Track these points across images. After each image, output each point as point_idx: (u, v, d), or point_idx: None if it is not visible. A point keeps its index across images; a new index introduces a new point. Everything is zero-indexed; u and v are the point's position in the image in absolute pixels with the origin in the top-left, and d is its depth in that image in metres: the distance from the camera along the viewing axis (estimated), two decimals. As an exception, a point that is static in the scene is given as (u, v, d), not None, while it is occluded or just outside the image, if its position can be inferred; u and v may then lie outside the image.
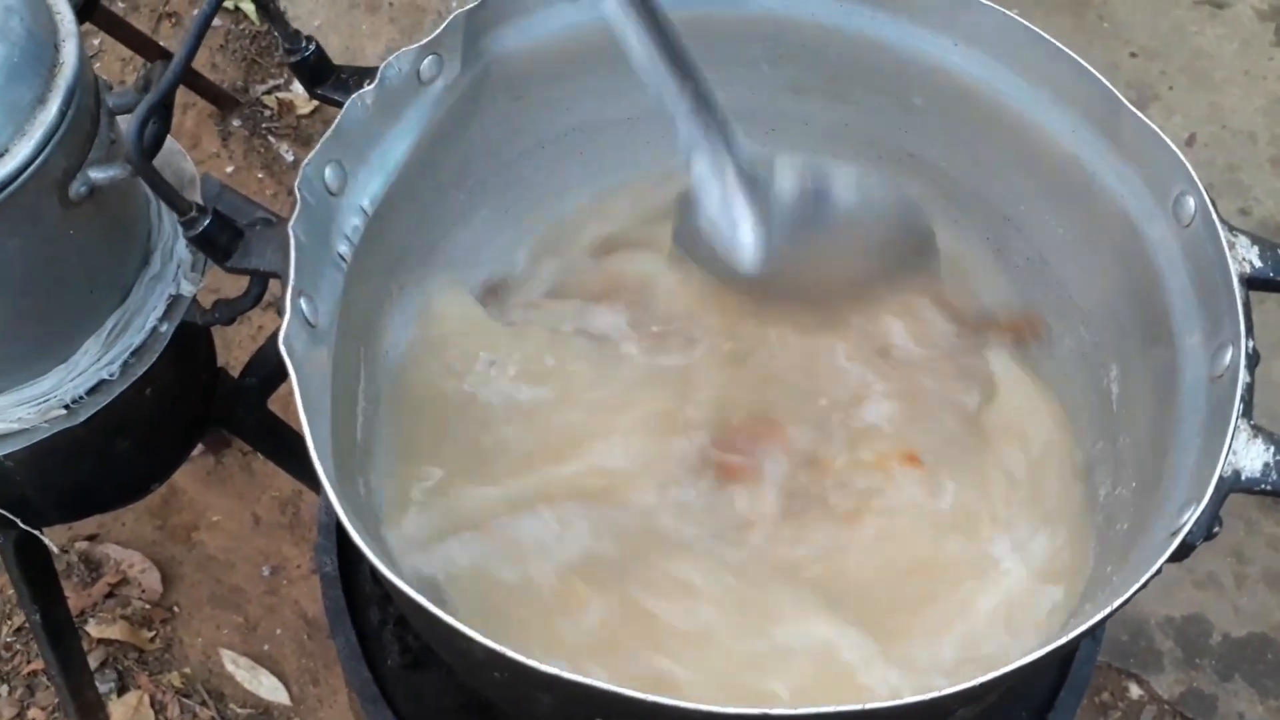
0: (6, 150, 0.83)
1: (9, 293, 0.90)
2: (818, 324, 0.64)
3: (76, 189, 0.88)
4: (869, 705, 0.48)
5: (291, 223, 0.61)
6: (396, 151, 0.70)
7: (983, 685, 0.49)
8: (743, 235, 0.57)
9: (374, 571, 0.82)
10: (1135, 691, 1.59)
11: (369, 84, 0.67)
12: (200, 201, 0.62)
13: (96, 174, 0.88)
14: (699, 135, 0.58)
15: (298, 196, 0.62)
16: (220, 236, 0.62)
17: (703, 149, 0.58)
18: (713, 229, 0.58)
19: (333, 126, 0.65)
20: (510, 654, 0.49)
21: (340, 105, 0.67)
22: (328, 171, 0.65)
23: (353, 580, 0.82)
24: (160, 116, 0.82)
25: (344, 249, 0.66)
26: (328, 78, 0.69)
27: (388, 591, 0.81)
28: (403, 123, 0.70)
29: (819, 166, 0.60)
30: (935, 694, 0.48)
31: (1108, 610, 0.53)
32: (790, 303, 0.62)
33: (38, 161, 0.83)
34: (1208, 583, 1.66)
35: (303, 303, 0.61)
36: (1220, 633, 1.63)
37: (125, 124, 0.93)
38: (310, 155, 0.64)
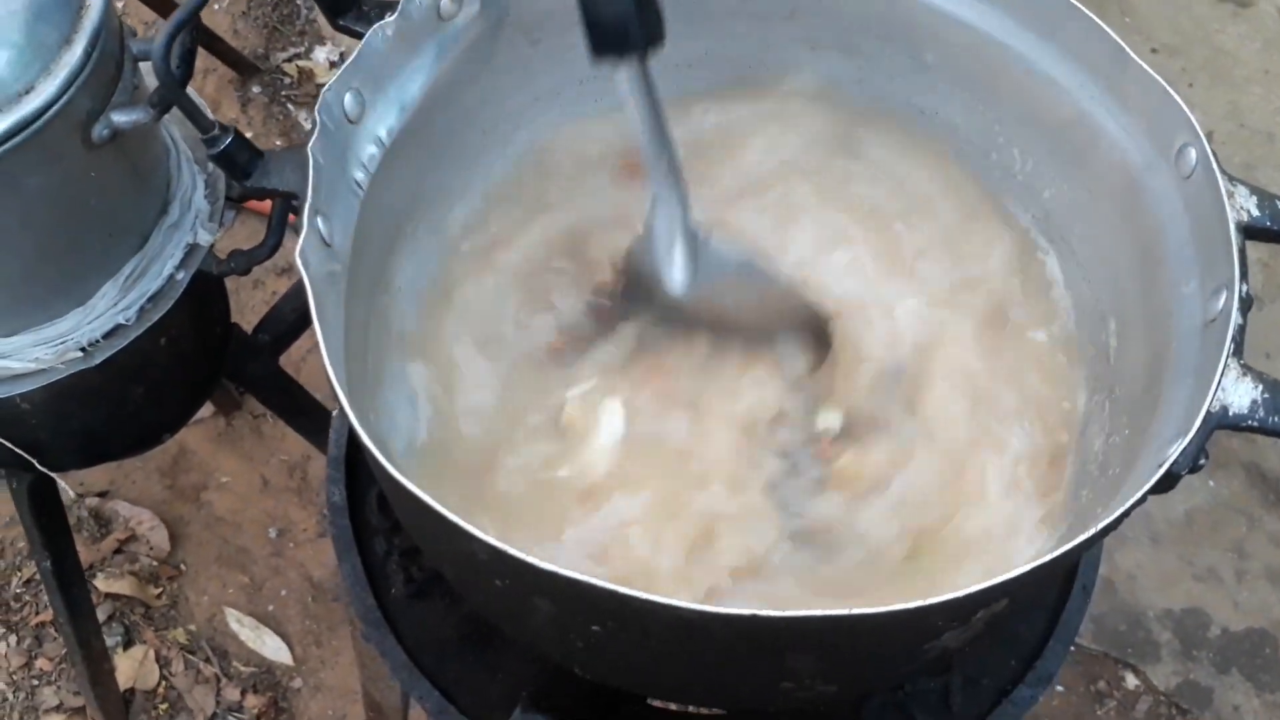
0: (32, 88, 0.84)
1: (30, 231, 0.92)
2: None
3: (99, 131, 0.89)
4: (855, 610, 0.49)
5: (310, 144, 0.63)
6: (414, 86, 0.72)
7: (969, 597, 0.51)
8: (677, 267, 0.77)
9: (380, 501, 0.84)
10: (1132, 681, 1.59)
11: (390, 16, 0.69)
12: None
13: (119, 117, 0.90)
14: (667, 192, 0.76)
15: (317, 120, 0.64)
16: (240, 155, 0.64)
17: (666, 202, 0.76)
18: (657, 259, 0.77)
19: (354, 54, 0.67)
20: (511, 551, 0.51)
21: (361, 37, 0.68)
22: (347, 98, 0.67)
23: (360, 513, 0.83)
24: (184, 60, 0.84)
25: (360, 176, 0.68)
26: (350, 9, 0.71)
27: (394, 523, 0.83)
28: (421, 58, 0.72)
29: (744, 251, 0.81)
30: (920, 603, 0.50)
31: (1093, 531, 0.54)
32: (704, 327, 0.80)
33: (62, 101, 0.85)
34: (1208, 576, 1.67)
35: (319, 221, 0.62)
36: (1219, 626, 1.63)
37: (149, 72, 0.95)
38: (331, 81, 0.66)
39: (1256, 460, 1.71)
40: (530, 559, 0.50)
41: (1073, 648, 1.59)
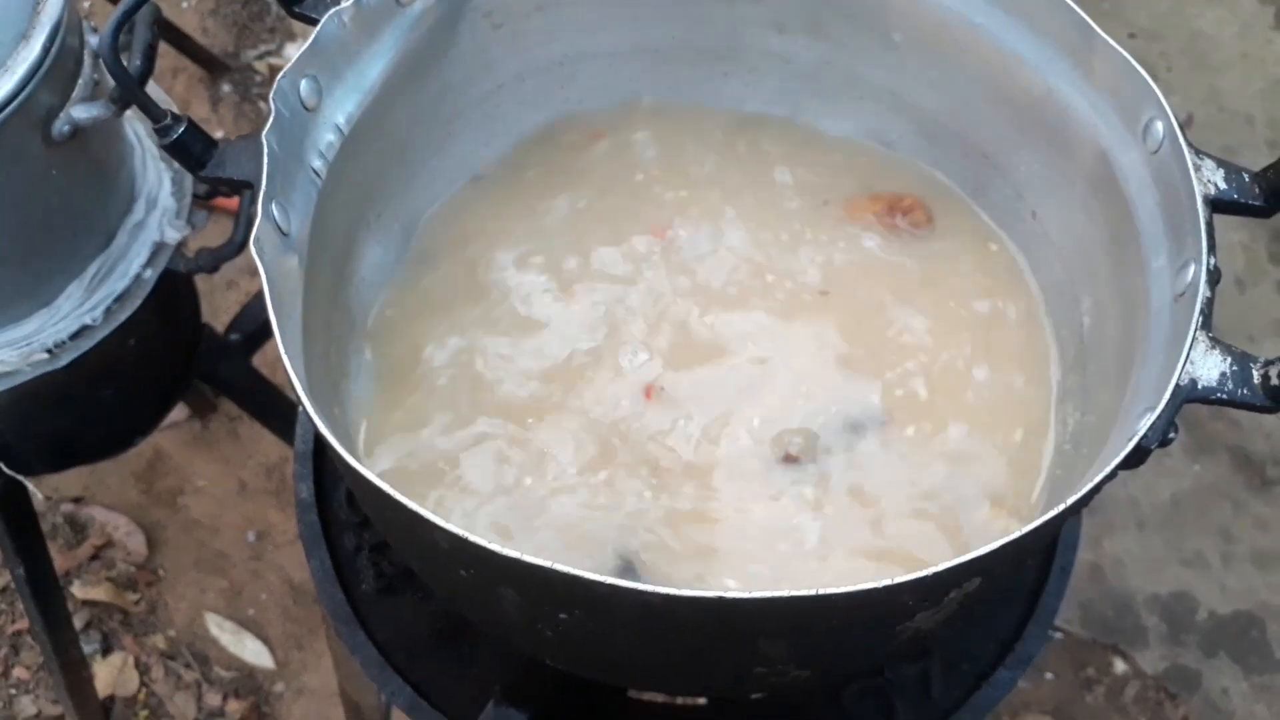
0: (-11, 85, 0.83)
1: (-9, 231, 0.91)
2: None
3: (59, 128, 0.88)
4: (822, 590, 0.48)
5: (265, 132, 0.62)
6: (372, 72, 0.71)
7: (938, 575, 0.50)
8: None
9: (349, 497, 0.83)
10: (1120, 666, 1.59)
11: (347, 1, 0.68)
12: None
13: (80, 113, 0.89)
14: None
15: (271, 107, 0.63)
16: (194, 145, 0.63)
17: None
18: None
19: (309, 41, 0.66)
20: (473, 539, 0.50)
21: (316, 23, 0.67)
22: (303, 85, 0.66)
23: (328, 508, 0.82)
24: (145, 56, 0.83)
25: (318, 164, 0.67)
26: (306, -5, 0.70)
27: (363, 519, 0.82)
28: (380, 43, 0.71)
29: None
30: (888, 582, 0.49)
31: (1063, 506, 0.53)
32: None
33: (20, 97, 0.84)
34: (1195, 561, 1.67)
35: (274, 208, 0.61)
36: (1206, 610, 1.63)
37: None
38: (285, 68, 0.65)
39: (1242, 444, 1.72)
40: (492, 546, 0.50)
41: (1060, 634, 1.59)
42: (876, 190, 0.84)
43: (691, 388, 0.76)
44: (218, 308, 1.67)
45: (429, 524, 0.51)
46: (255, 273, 1.81)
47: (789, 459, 0.73)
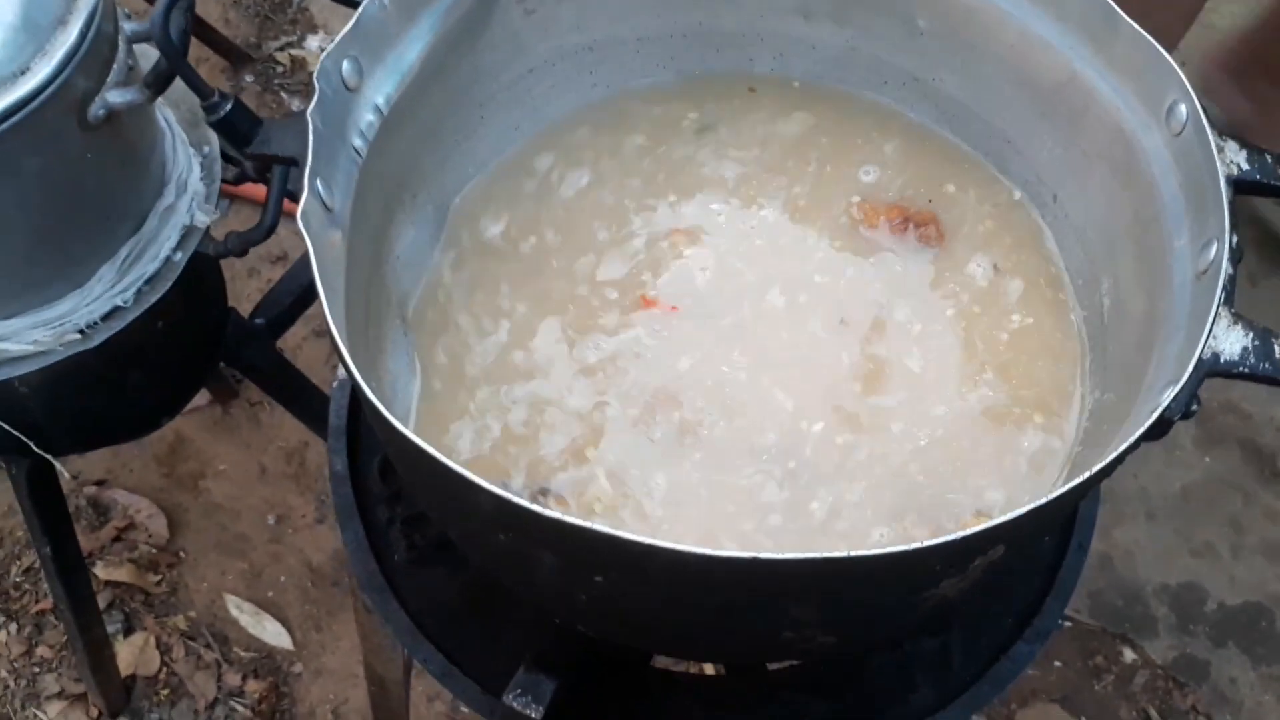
0: (27, 69, 0.85)
1: (27, 213, 0.92)
2: None
3: (95, 112, 0.90)
4: (854, 553, 0.50)
5: (310, 110, 0.64)
6: (410, 54, 0.72)
7: (963, 540, 0.51)
8: None
9: (382, 470, 0.85)
10: (1129, 656, 1.60)
11: (387, -16, 0.69)
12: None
13: (115, 97, 0.90)
14: None
15: (316, 87, 0.65)
16: (241, 122, 0.65)
17: None
18: None
19: (351, 23, 0.68)
20: (515, 500, 0.51)
21: (357, 6, 0.69)
22: (345, 66, 0.68)
23: (361, 481, 0.84)
24: (180, 39, 0.84)
25: (359, 143, 0.69)
26: (347, -23, 0.72)
27: (395, 492, 0.83)
28: (418, 27, 0.72)
29: None
30: (917, 545, 0.50)
31: (1087, 475, 0.55)
32: None
33: (58, 82, 0.86)
34: (1204, 551, 1.68)
35: (319, 184, 0.63)
36: (1215, 600, 1.64)
37: (143, 54, 0.95)
38: (329, 48, 0.67)
39: (1252, 436, 1.73)
40: (533, 506, 0.51)
41: (1070, 623, 1.60)
42: (900, 200, 0.85)
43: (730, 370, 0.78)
44: (240, 294, 1.68)
45: (473, 486, 0.53)
46: (277, 260, 1.83)
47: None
